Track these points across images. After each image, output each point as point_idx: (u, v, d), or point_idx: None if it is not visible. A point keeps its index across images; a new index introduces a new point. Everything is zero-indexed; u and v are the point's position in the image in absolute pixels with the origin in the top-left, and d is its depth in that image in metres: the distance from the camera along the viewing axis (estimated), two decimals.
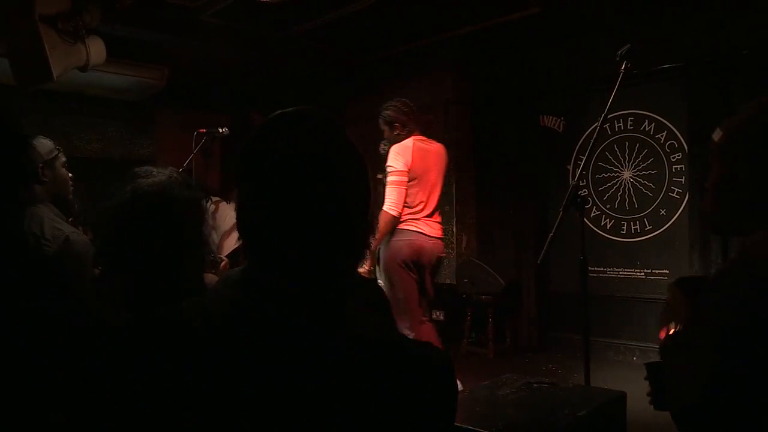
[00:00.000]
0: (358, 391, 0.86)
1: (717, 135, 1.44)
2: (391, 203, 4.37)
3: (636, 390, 2.32)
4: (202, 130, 4.61)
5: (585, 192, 6.30)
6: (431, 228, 4.57)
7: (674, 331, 1.51)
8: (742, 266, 1.32)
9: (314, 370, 0.87)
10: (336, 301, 0.94)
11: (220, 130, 4.64)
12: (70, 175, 2.53)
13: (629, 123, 6.12)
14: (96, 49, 4.98)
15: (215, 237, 6.18)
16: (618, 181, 6.20)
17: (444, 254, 5.00)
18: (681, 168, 5.78)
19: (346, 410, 0.85)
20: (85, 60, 4.90)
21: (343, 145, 0.98)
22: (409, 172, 4.45)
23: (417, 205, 4.51)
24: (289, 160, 0.93)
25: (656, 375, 1.60)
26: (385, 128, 4.75)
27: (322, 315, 0.92)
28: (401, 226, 4.44)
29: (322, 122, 0.99)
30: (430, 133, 7.08)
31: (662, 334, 1.54)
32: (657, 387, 1.57)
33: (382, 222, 4.31)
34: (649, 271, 5.94)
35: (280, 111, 1.02)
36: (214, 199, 6.73)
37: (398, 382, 0.89)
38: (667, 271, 5.82)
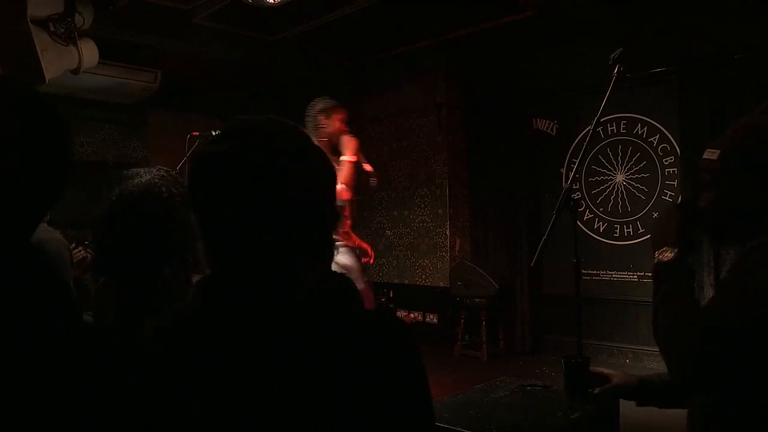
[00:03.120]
0: (321, 364, 0.89)
1: (713, 154, 1.48)
2: None
3: None
4: (195, 133, 4.61)
5: (578, 195, 6.31)
6: None
7: (668, 256, 1.54)
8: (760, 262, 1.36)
9: (282, 357, 0.90)
10: (292, 295, 0.96)
11: (213, 133, 4.63)
12: None
13: (622, 126, 6.14)
14: (88, 52, 4.97)
15: None
16: (611, 184, 6.22)
17: None
18: (674, 171, 5.80)
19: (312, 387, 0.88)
20: (77, 62, 4.89)
21: (289, 148, 0.99)
22: None
23: None
24: (231, 167, 0.96)
25: (572, 372, 1.85)
26: None
27: (279, 307, 0.94)
28: None
29: (271, 127, 1.01)
30: (421, 137, 7.12)
31: (655, 255, 1.57)
32: (571, 383, 1.83)
33: None
34: (642, 273, 5.95)
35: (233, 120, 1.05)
36: None
37: (355, 351, 0.91)
38: None
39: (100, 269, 1.88)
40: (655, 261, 1.55)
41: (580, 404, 2.11)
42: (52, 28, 4.51)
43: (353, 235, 4.14)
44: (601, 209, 6.28)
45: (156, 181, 1.77)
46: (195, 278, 1.84)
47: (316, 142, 1.08)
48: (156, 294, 1.72)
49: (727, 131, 1.50)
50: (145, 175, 1.79)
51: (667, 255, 1.54)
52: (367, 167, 4.32)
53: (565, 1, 5.40)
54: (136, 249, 1.73)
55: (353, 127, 5.40)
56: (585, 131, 6.12)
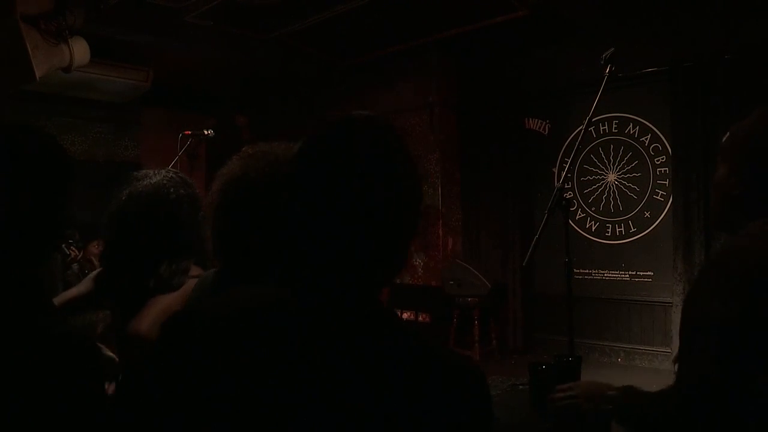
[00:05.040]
0: (388, 396, 0.85)
1: (725, 136, 1.52)
2: None
3: None
4: (187, 132, 4.59)
5: (570, 194, 6.29)
6: None
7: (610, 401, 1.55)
8: (733, 256, 1.39)
9: (347, 373, 0.87)
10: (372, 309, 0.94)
11: (206, 131, 4.63)
12: None
13: (614, 126, 6.16)
14: (80, 50, 4.94)
15: None
16: (603, 183, 6.24)
17: None
18: (665, 170, 5.82)
19: (374, 413, 0.85)
20: (68, 61, 4.86)
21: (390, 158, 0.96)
22: None
23: None
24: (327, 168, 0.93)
25: (537, 377, 1.89)
26: None
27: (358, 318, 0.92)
28: None
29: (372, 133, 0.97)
30: (414, 136, 7.12)
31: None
32: (536, 388, 1.88)
33: None
34: (634, 272, 5.97)
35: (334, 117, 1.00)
36: None
37: (429, 390, 0.87)
38: (651, 273, 5.87)
39: (106, 263, 1.92)
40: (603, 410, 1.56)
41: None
42: (42, 26, 4.48)
43: None
44: (593, 208, 6.30)
45: (165, 182, 1.81)
46: (194, 269, 1.87)
47: None
48: (151, 289, 1.75)
49: (748, 116, 1.51)
50: (154, 176, 1.83)
51: (607, 403, 1.55)
52: None
53: (557, 1, 5.41)
54: (144, 248, 1.76)
55: None
56: (577, 131, 6.14)
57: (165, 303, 1.73)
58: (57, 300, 1.92)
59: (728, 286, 1.32)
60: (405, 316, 7.09)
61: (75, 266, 5.16)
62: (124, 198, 1.80)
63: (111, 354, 2.03)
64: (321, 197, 0.92)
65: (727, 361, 1.28)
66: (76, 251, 4.70)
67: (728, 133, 1.51)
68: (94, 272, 2.00)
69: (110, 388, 1.83)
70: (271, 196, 1.35)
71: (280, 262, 1.10)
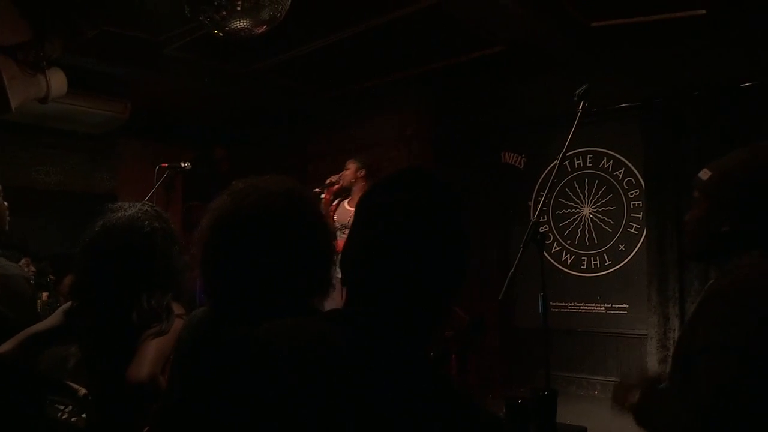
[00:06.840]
0: None
1: (705, 174, 1.57)
2: None
3: (597, 425, 2.34)
4: (164, 165, 4.58)
5: (546, 228, 6.38)
6: None
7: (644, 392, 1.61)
8: (742, 284, 1.42)
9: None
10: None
11: (182, 164, 4.62)
12: (5, 204, 2.40)
13: (588, 160, 6.25)
14: (57, 81, 4.92)
15: None
16: (578, 217, 6.31)
17: None
18: (639, 204, 5.91)
19: None
20: (45, 91, 4.83)
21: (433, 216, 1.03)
22: None
23: None
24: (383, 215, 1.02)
25: (514, 412, 1.93)
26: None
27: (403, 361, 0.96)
28: None
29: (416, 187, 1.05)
30: (392, 170, 7.14)
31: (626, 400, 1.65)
32: (513, 423, 1.91)
33: None
34: (609, 305, 6.01)
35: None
36: None
37: None
38: (626, 305, 5.91)
39: (77, 296, 1.89)
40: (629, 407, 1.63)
41: None
42: (19, 57, 4.45)
43: None
44: (568, 242, 6.35)
45: (139, 215, 1.81)
46: (176, 307, 1.85)
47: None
48: (132, 322, 1.73)
49: (726, 155, 1.57)
50: (128, 209, 1.83)
51: (635, 397, 1.63)
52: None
53: (533, 37, 5.52)
54: (116, 279, 1.74)
55: (325, 158, 5.45)
56: (552, 165, 6.22)
57: (158, 347, 1.70)
58: (25, 333, 1.88)
59: (731, 315, 1.35)
60: None
61: (42, 297, 5.04)
62: (97, 230, 1.79)
63: (80, 388, 1.99)
64: (370, 247, 1.00)
65: (727, 389, 1.29)
66: (53, 280, 4.61)
67: (710, 172, 1.55)
68: (64, 306, 1.97)
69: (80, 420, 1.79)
70: (264, 231, 1.34)
71: (275, 298, 1.13)
